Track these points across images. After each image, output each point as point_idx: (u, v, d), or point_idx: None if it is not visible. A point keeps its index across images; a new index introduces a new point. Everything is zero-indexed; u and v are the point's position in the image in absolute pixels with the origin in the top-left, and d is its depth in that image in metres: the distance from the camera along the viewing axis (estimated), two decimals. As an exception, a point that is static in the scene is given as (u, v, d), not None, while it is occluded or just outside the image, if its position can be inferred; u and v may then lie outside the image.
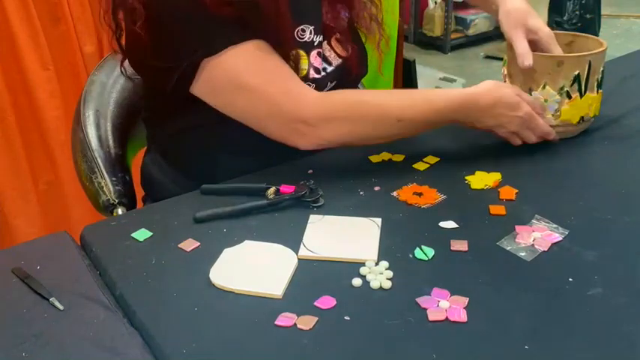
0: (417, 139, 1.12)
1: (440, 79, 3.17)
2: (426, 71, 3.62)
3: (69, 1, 1.78)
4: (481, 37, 4.39)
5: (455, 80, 3.16)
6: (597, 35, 3.89)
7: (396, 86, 2.48)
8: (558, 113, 1.07)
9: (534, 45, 1.07)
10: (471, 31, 4.36)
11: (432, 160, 1.05)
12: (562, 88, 1.06)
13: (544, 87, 1.07)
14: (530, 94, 1.06)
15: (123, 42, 1.05)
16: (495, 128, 1.03)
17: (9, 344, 0.69)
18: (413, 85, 2.63)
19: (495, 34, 4.29)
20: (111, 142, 1.22)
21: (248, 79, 0.97)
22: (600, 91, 1.09)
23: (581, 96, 1.06)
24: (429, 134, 1.13)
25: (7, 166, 1.81)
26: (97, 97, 1.25)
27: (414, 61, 3.01)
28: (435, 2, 4.23)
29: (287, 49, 0.99)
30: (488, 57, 4.16)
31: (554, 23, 3.96)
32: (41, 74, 1.78)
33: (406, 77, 2.67)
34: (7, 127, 1.79)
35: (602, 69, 1.07)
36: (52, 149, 1.86)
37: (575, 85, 1.05)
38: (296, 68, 1.01)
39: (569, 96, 1.06)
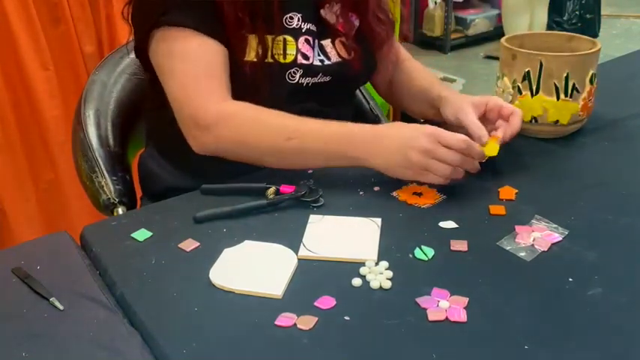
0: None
1: (440, 79, 3.17)
2: (426, 71, 3.61)
3: (69, 1, 1.78)
4: (481, 37, 4.39)
5: (455, 80, 3.16)
6: (597, 35, 3.90)
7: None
8: None
9: (491, 114, 1.04)
10: (470, 31, 4.36)
11: (432, 160, 1.04)
12: (514, 82, 1.08)
13: (502, 78, 1.09)
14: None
15: None
16: (403, 167, 0.92)
17: (9, 344, 0.69)
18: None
19: (495, 34, 4.30)
20: (111, 141, 1.22)
21: (177, 64, 1.00)
22: (567, 99, 1.06)
23: (532, 95, 1.07)
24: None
25: (7, 165, 1.82)
26: (98, 97, 1.25)
27: (414, 61, 3.00)
28: (435, 2, 4.23)
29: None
30: (488, 57, 4.16)
31: (554, 23, 3.96)
32: (41, 74, 1.78)
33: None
34: (7, 127, 1.79)
35: (566, 76, 1.05)
36: (52, 149, 1.86)
37: (527, 83, 1.07)
38: (284, 54, 1.03)
39: (519, 91, 1.08)
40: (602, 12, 4.09)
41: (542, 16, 3.78)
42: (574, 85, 1.05)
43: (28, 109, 1.81)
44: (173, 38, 1.00)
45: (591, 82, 1.07)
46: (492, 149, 0.97)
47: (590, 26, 3.97)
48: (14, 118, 1.80)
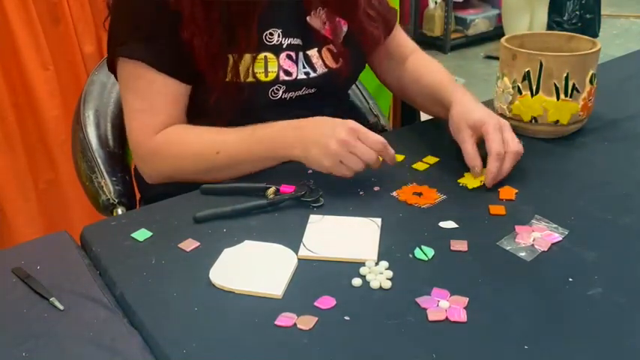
0: (417, 140, 1.12)
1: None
2: (426, 71, 3.60)
3: (69, 1, 1.78)
4: (481, 37, 4.40)
5: (455, 80, 3.16)
6: (597, 35, 3.90)
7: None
8: (510, 107, 1.10)
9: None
10: (470, 31, 4.36)
11: (431, 160, 1.05)
12: (514, 82, 1.08)
13: (502, 78, 1.09)
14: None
15: None
16: (321, 156, 0.93)
17: (9, 344, 0.69)
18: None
19: (495, 34, 4.30)
20: (111, 141, 1.22)
21: (129, 96, 1.04)
22: (567, 99, 1.06)
23: (532, 95, 1.07)
24: (429, 134, 1.14)
25: (7, 165, 1.81)
26: (97, 97, 1.25)
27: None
28: (435, 2, 4.23)
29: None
30: (488, 57, 4.16)
31: (554, 23, 3.96)
32: (41, 74, 1.78)
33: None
34: (7, 127, 1.79)
35: (566, 76, 1.04)
36: (51, 149, 1.86)
37: (527, 83, 1.06)
38: (265, 72, 1.03)
39: (519, 91, 1.08)
40: (602, 12, 4.09)
41: (542, 16, 3.78)
42: (574, 85, 1.05)
43: (28, 109, 1.81)
44: (128, 69, 1.02)
45: (591, 82, 1.07)
46: (474, 182, 0.97)
47: (590, 26, 3.97)
48: (14, 118, 1.79)
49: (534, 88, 1.06)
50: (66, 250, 0.86)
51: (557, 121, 1.08)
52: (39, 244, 0.89)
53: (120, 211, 1.14)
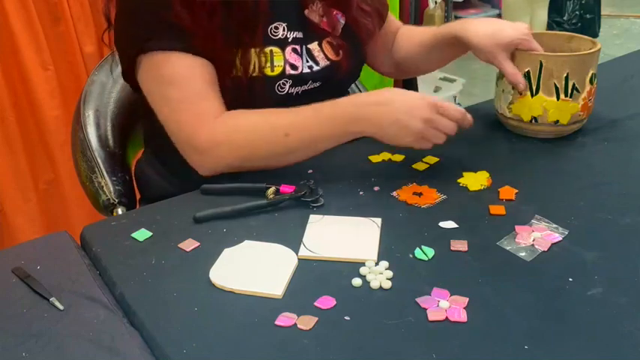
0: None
1: (440, 79, 3.16)
2: (426, 71, 3.60)
3: (69, 1, 1.78)
4: (481, 37, 4.39)
5: (455, 80, 3.15)
6: (597, 35, 3.91)
7: (396, 86, 2.48)
8: (510, 107, 1.10)
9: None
10: (471, 31, 4.36)
11: (431, 160, 1.05)
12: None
13: (502, 78, 1.09)
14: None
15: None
16: (402, 135, 0.95)
17: (9, 344, 0.69)
18: (413, 85, 2.63)
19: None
20: (111, 141, 1.22)
21: (168, 90, 0.99)
22: (567, 99, 1.06)
23: (532, 95, 1.06)
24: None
25: (7, 165, 1.81)
26: (97, 97, 1.25)
27: (414, 61, 2.98)
28: (435, 2, 4.23)
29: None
30: (488, 57, 4.15)
31: (554, 23, 3.96)
32: (41, 74, 1.78)
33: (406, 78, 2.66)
34: (7, 127, 1.79)
35: (566, 76, 1.04)
36: (52, 149, 1.86)
37: (527, 83, 1.06)
38: (271, 66, 1.03)
39: (520, 91, 1.08)
40: (602, 12, 4.09)
41: (542, 16, 3.79)
42: (574, 85, 1.05)
43: (28, 109, 1.81)
44: (161, 63, 0.98)
45: (591, 82, 1.07)
46: (474, 184, 0.97)
47: (590, 26, 3.97)
48: (14, 118, 1.80)
49: (534, 88, 1.06)
50: (66, 250, 0.86)
51: (557, 121, 1.08)
52: (39, 244, 0.89)
53: (120, 211, 1.14)
